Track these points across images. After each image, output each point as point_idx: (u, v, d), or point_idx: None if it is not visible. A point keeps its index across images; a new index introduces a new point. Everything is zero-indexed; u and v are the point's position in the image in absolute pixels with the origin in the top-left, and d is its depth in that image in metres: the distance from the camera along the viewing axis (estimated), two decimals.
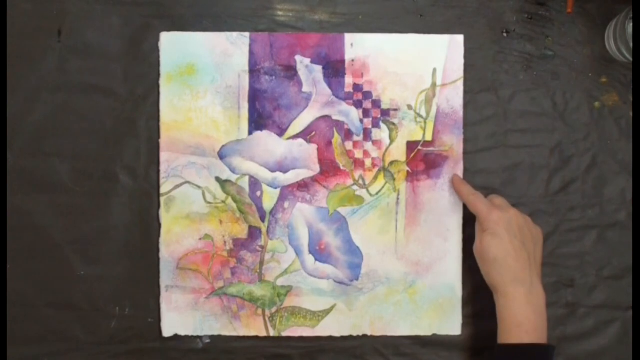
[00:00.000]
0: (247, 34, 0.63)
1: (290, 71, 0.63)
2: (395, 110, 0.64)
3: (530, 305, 0.55)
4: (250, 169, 0.63)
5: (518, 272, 0.56)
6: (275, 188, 0.63)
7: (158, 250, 0.63)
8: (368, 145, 0.64)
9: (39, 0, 0.63)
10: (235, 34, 0.63)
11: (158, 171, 0.63)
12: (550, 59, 0.64)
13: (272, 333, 0.63)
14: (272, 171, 0.63)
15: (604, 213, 0.64)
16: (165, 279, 0.63)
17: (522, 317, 0.55)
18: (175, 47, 0.63)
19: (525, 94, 0.64)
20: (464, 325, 0.64)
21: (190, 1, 0.64)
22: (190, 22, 0.63)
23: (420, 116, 0.64)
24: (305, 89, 0.63)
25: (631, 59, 0.60)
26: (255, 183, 0.63)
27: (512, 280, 0.56)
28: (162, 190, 0.63)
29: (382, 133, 0.64)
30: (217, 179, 0.63)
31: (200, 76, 0.63)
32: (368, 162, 0.64)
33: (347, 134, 0.64)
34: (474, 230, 0.59)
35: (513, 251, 0.56)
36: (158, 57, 0.63)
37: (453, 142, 0.64)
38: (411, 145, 0.64)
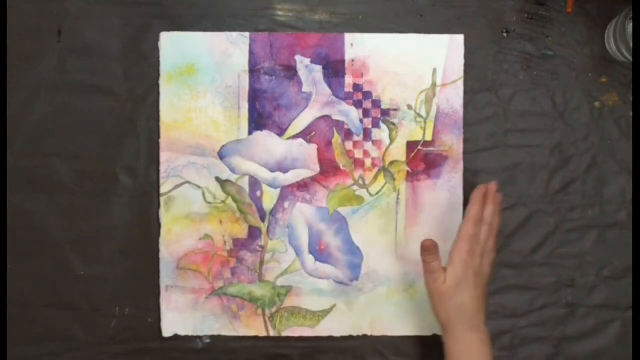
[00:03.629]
0: (247, 34, 0.63)
1: (290, 71, 0.63)
2: (395, 110, 0.63)
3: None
4: (250, 169, 0.63)
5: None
6: (275, 188, 0.63)
7: (158, 250, 0.63)
8: (368, 145, 0.64)
9: (39, 0, 0.63)
10: (235, 34, 0.63)
11: (158, 171, 0.63)
12: (550, 59, 0.64)
13: (272, 333, 0.63)
14: (272, 171, 0.63)
15: (604, 213, 0.64)
16: (165, 279, 0.63)
17: None
18: (175, 47, 0.63)
19: (525, 94, 0.64)
20: None
21: (190, 1, 0.64)
22: (190, 22, 0.63)
23: (420, 116, 0.64)
24: (305, 89, 0.63)
25: (631, 59, 0.60)
26: (255, 183, 0.63)
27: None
28: (162, 190, 0.63)
29: (382, 133, 0.64)
30: (217, 179, 0.63)
31: (200, 76, 0.63)
32: (368, 162, 0.64)
33: (347, 134, 0.64)
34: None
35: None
36: (158, 57, 0.63)
37: (453, 142, 0.64)
38: (411, 145, 0.64)
